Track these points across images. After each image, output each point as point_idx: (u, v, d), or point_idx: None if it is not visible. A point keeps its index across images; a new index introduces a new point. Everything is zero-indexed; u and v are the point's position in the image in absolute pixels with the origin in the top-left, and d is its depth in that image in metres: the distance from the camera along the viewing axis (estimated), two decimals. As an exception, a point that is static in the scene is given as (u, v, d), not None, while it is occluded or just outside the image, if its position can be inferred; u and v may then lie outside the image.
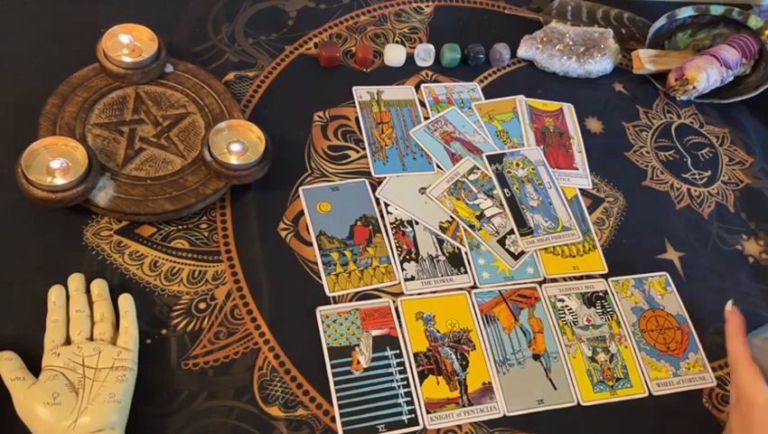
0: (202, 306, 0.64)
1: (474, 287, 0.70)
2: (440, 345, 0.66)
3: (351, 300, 0.67)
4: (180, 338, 0.62)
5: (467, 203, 0.75)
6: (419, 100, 0.83)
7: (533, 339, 0.68)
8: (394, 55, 0.85)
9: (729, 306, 0.61)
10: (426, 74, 0.86)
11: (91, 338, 0.58)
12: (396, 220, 0.73)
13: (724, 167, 0.88)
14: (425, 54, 0.86)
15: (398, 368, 0.64)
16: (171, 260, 0.66)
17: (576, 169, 0.82)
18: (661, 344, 0.71)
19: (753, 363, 0.56)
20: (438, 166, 0.78)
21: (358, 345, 0.64)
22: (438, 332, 0.66)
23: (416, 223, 0.73)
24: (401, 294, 0.68)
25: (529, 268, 0.73)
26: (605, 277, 0.74)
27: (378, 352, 0.64)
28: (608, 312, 0.72)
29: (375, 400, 0.61)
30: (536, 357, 0.67)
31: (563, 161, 0.82)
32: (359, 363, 0.63)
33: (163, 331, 0.62)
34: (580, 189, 0.81)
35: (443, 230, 0.73)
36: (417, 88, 0.84)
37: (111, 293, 0.62)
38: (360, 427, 0.60)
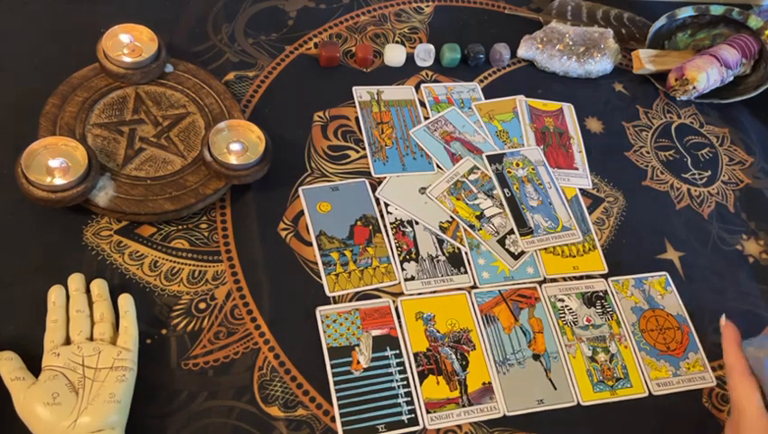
0: (202, 306, 0.64)
1: (474, 287, 0.70)
2: (440, 345, 0.66)
3: (350, 300, 0.67)
4: (180, 338, 0.62)
5: (467, 203, 0.75)
6: (419, 100, 0.83)
7: (533, 339, 0.68)
8: (394, 55, 0.85)
9: (723, 320, 0.63)
10: (426, 74, 0.86)
11: (91, 338, 0.58)
12: (396, 220, 0.73)
13: (724, 167, 0.88)
14: (425, 54, 0.86)
15: (398, 368, 0.64)
16: (171, 260, 0.66)
17: (576, 169, 0.82)
18: (661, 343, 0.71)
19: (749, 375, 0.58)
20: (438, 166, 0.78)
21: (358, 345, 0.64)
22: (438, 332, 0.66)
23: (416, 223, 0.73)
24: (401, 294, 0.68)
25: (528, 268, 0.73)
26: (605, 277, 0.74)
27: (378, 352, 0.64)
28: (608, 312, 0.72)
29: (375, 401, 0.61)
30: (536, 357, 0.67)
31: (563, 161, 0.82)
32: (359, 363, 0.63)
33: (163, 331, 0.62)
34: (580, 189, 0.80)
35: (443, 230, 0.73)
36: (417, 88, 0.84)
37: (111, 293, 0.62)
38: (360, 427, 0.60)
